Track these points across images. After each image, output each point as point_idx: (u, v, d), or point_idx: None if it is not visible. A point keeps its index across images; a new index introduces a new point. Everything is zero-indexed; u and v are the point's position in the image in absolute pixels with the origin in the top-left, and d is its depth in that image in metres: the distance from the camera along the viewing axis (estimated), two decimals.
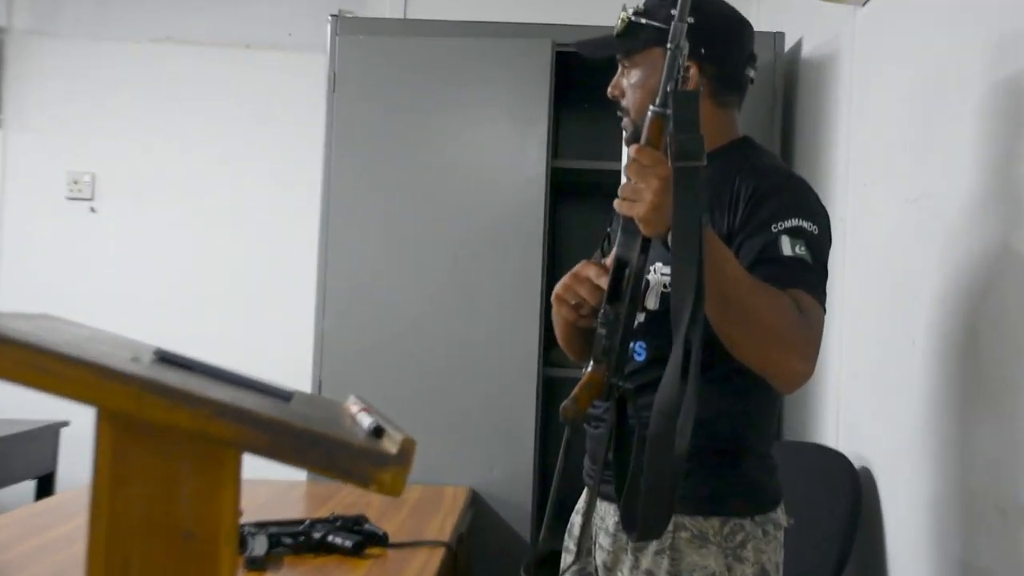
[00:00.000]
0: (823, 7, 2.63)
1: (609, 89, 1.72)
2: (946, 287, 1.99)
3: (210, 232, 3.89)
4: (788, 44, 3.11)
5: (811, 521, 2.36)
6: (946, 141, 2.03)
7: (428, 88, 3.10)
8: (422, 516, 2.48)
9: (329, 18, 3.13)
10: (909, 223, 2.18)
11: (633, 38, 1.65)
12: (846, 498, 2.29)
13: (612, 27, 1.70)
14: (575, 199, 3.61)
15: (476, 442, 2.99)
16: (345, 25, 3.14)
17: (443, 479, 2.90)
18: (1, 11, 3.88)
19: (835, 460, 2.42)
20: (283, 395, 1.10)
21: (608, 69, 1.75)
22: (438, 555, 2.10)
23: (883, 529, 2.25)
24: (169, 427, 0.89)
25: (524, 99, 3.06)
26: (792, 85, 3.12)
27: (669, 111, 1.35)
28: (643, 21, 1.63)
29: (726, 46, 1.69)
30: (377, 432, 1.01)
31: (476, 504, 2.90)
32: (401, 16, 3.85)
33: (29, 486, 3.50)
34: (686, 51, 1.37)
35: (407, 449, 0.93)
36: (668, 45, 1.36)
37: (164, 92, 3.90)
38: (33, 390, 0.87)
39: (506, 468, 2.98)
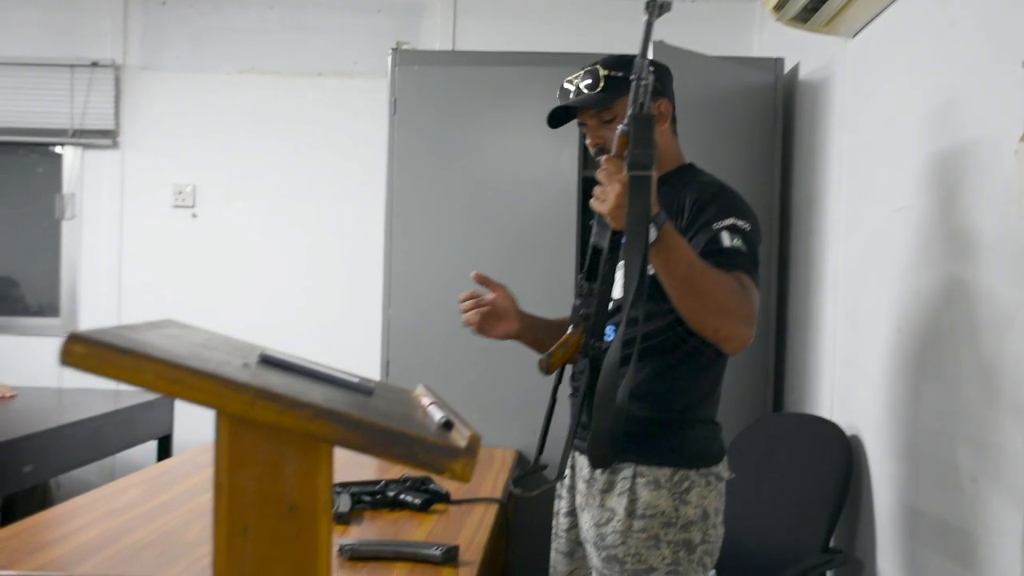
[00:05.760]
0: (818, 36, 2.60)
1: (591, 143, 1.77)
2: (924, 286, 1.99)
3: (291, 233, 3.93)
4: (786, 68, 3.08)
5: (808, 482, 2.37)
6: (922, 161, 2.01)
7: (474, 110, 3.12)
8: (477, 476, 2.49)
9: (390, 51, 3.15)
10: (894, 229, 2.17)
11: (613, 90, 1.69)
12: (839, 462, 2.30)
13: (567, 93, 1.74)
14: None
15: (520, 411, 3.01)
16: (404, 57, 3.16)
17: (493, 443, 2.93)
18: (117, 51, 3.94)
19: (829, 429, 2.42)
20: (366, 390, 1.12)
21: None
22: (493, 510, 2.14)
23: (871, 490, 2.25)
24: (277, 425, 0.92)
25: None
26: (791, 105, 3.10)
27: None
28: (619, 75, 1.68)
29: (673, 91, 1.80)
30: (447, 426, 1.03)
31: (522, 464, 2.92)
32: (450, 47, 3.86)
33: (151, 446, 3.58)
34: (650, 83, 1.45)
35: (474, 443, 0.95)
36: (632, 77, 1.45)
37: (249, 114, 3.94)
38: (166, 396, 0.91)
39: None
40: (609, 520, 1.68)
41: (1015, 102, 1.62)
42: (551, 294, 3.03)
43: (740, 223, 1.61)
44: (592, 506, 1.72)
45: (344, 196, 3.90)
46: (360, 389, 1.11)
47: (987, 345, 1.72)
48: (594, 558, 1.71)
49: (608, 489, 1.69)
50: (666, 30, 2.78)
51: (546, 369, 1.62)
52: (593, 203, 1.51)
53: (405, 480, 2.16)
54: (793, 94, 3.09)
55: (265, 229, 3.93)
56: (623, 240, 1.49)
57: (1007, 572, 1.62)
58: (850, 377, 2.47)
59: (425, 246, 3.11)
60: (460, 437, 0.97)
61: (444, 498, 2.15)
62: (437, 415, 1.06)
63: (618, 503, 1.67)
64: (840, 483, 2.25)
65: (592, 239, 1.61)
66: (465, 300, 1.79)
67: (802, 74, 3.04)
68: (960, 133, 1.86)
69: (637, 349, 1.45)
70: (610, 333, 1.69)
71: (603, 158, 1.49)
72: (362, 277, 3.69)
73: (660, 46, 2.69)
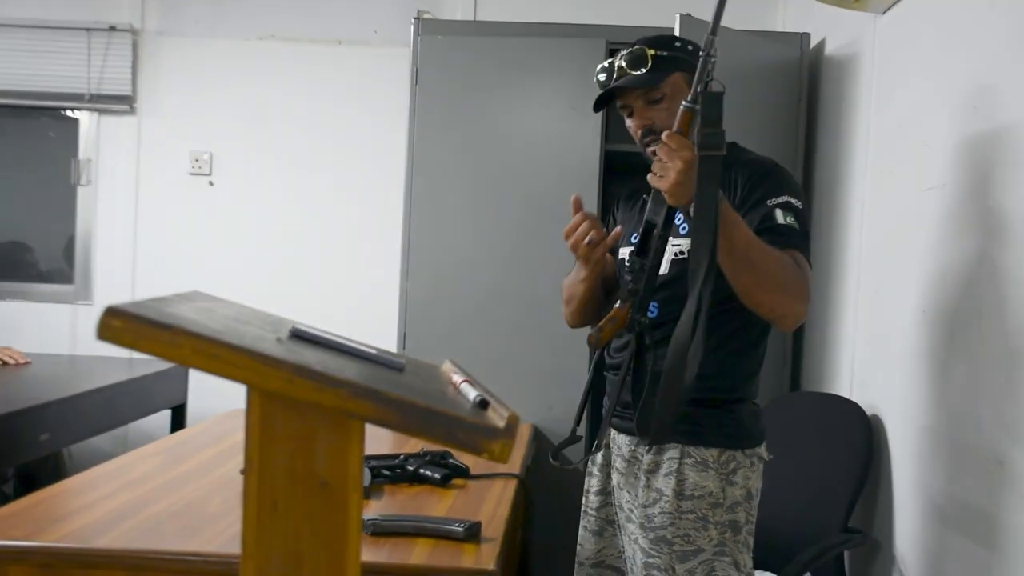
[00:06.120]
0: (847, 12, 2.55)
1: (636, 128, 1.74)
2: (951, 267, 1.96)
3: (308, 202, 3.91)
4: (812, 44, 3.03)
5: (830, 460, 2.36)
6: (953, 142, 1.98)
7: (497, 81, 3.08)
8: None
9: (412, 21, 3.12)
10: (923, 209, 2.13)
11: (661, 70, 1.68)
12: (860, 442, 2.29)
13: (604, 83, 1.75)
14: (625, 177, 3.56)
15: (537, 385, 3.01)
16: (426, 26, 3.12)
17: None
18: (135, 15, 3.90)
19: (850, 408, 2.41)
20: (396, 366, 1.10)
21: None
22: (512, 485, 2.12)
23: (891, 470, 2.24)
24: (314, 403, 0.91)
25: (581, 91, 3.00)
26: (816, 81, 3.05)
27: (698, 107, 1.44)
28: (665, 54, 1.68)
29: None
30: (483, 404, 1.01)
31: (538, 439, 2.92)
32: (471, 17, 3.81)
33: (165, 415, 3.58)
34: (715, 59, 1.45)
35: (513, 423, 0.94)
36: (701, 53, 1.45)
37: (268, 81, 3.91)
38: (202, 372, 0.89)
39: (563, 407, 2.98)
40: (656, 501, 1.67)
41: None
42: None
43: (793, 201, 1.62)
44: (635, 486, 1.71)
45: (363, 166, 3.87)
46: (392, 365, 1.10)
47: (1015, 328, 1.69)
48: (640, 539, 1.70)
49: (654, 470, 1.68)
50: (692, 3, 2.75)
51: (596, 343, 1.63)
52: (651, 178, 1.50)
53: (424, 454, 2.15)
54: (819, 70, 3.05)
55: (282, 198, 3.91)
56: (676, 218, 1.51)
57: None
58: (872, 357, 2.45)
59: (444, 218, 3.09)
60: (498, 417, 0.96)
61: (464, 473, 2.14)
62: (471, 393, 1.05)
63: (665, 484, 1.66)
64: (861, 463, 2.24)
65: (647, 215, 1.61)
66: (584, 221, 1.69)
67: (828, 50, 3.00)
68: (994, 114, 1.82)
69: (702, 327, 1.43)
70: (653, 310, 1.68)
71: (665, 134, 1.47)
72: (380, 248, 3.67)
73: (687, 19, 2.65)
